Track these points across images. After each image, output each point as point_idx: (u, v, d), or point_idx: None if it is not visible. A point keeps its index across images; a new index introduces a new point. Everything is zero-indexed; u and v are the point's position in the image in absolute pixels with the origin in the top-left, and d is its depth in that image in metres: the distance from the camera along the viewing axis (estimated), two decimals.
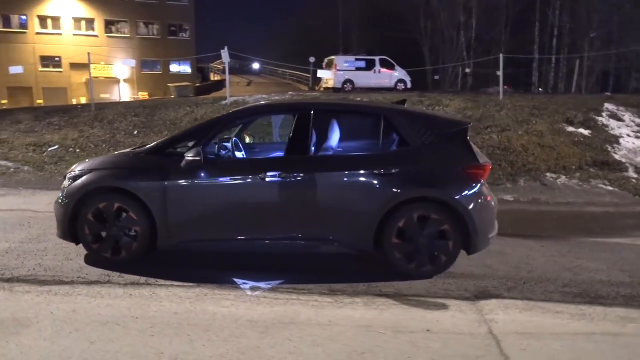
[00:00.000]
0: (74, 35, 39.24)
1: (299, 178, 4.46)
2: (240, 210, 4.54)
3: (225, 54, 12.55)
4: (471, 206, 4.40)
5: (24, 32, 38.19)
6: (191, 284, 4.27)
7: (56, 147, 9.98)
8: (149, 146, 4.86)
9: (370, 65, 25.25)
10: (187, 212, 4.56)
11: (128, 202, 4.59)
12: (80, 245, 4.77)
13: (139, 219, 4.59)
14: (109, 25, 40.21)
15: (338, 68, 25.04)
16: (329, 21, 41.67)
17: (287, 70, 37.59)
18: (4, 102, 37.00)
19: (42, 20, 38.51)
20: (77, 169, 4.90)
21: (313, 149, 4.63)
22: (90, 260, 4.76)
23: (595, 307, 3.94)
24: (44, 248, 5.17)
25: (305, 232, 4.53)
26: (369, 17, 37.90)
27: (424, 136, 4.57)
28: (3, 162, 9.43)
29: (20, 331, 3.36)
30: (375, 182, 4.42)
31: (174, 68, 42.01)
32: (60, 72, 38.91)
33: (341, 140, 4.80)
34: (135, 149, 5.24)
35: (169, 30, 41.52)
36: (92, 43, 39.53)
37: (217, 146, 4.79)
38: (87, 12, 39.42)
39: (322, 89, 25.45)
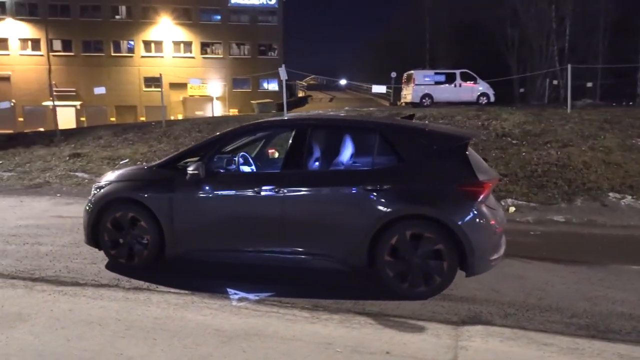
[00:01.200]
0: (173, 57, 42.56)
1: (292, 193, 4.52)
2: (238, 223, 4.69)
3: (282, 71, 12.96)
4: (467, 225, 4.17)
5: (131, 56, 42.12)
6: (186, 292, 4.47)
7: (126, 160, 10.90)
8: (161, 160, 5.19)
9: (450, 79, 24.61)
10: (191, 222, 4.80)
11: (140, 212, 4.92)
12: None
13: (149, 227, 4.90)
14: (204, 47, 43.10)
15: (416, 82, 24.72)
16: (415, 36, 41.31)
17: (370, 86, 37.75)
18: (113, 119, 40.98)
19: (147, 44, 42.24)
20: (102, 180, 5.35)
21: (308, 164, 4.68)
22: (110, 265, 5.15)
23: (596, 341, 3.55)
24: (78, 252, 5.67)
25: (299, 246, 4.56)
26: (455, 31, 37.05)
27: (419, 152, 4.43)
28: (80, 174, 10.48)
29: (16, 325, 3.75)
30: (368, 198, 4.35)
31: (263, 86, 43.90)
32: (160, 91, 42.13)
33: (337, 156, 4.79)
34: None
35: (258, 49, 43.59)
36: (189, 64, 42.71)
37: (222, 160, 4.99)
38: (185, 35, 42.61)
39: (403, 104, 25.24)
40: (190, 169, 4.68)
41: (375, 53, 49.63)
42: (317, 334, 3.63)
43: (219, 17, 43.04)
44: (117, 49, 42.11)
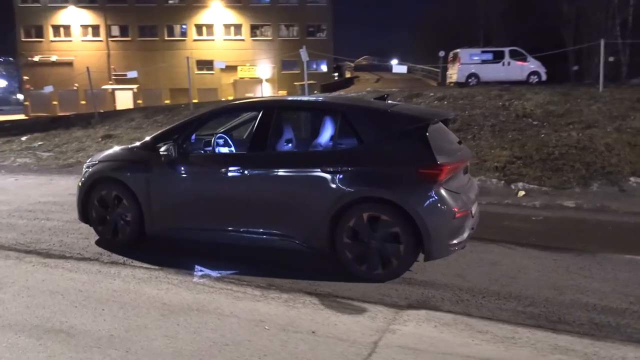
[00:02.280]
0: (224, 40, 43.34)
1: (256, 174, 4.59)
2: (208, 203, 4.83)
3: (303, 52, 12.93)
4: (422, 208, 4.08)
5: (184, 40, 43.29)
6: (156, 267, 4.68)
7: None
8: (141, 142, 5.39)
9: (498, 57, 23.64)
10: (165, 201, 4.99)
11: (122, 191, 5.17)
12: None
13: (130, 206, 5.14)
14: (254, 29, 43.57)
15: (462, 61, 23.96)
16: (469, 14, 39.76)
17: (419, 66, 36.92)
18: (167, 101, 42.49)
19: (198, 28, 43.24)
20: (93, 159, 5.64)
21: (272, 145, 4.71)
22: (98, 241, 5.46)
23: (539, 331, 3.40)
24: (77, 228, 6.02)
25: (264, 226, 4.64)
26: (511, 8, 35.31)
27: (380, 133, 4.36)
28: None
29: None
30: (327, 179, 4.34)
31: (312, 67, 43.87)
32: (212, 74, 43.18)
33: (300, 137, 4.79)
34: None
35: (307, 31, 43.51)
36: (239, 47, 43.39)
37: (194, 142, 5.11)
38: (235, 18, 43.23)
39: (452, 84, 24.54)
40: (162, 150, 4.85)
41: (428, 33, 48.26)
42: (255, 311, 3.71)
43: (268, 0, 43.29)
44: (171, 33, 43.40)
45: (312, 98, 5.38)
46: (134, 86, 42.66)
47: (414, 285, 4.23)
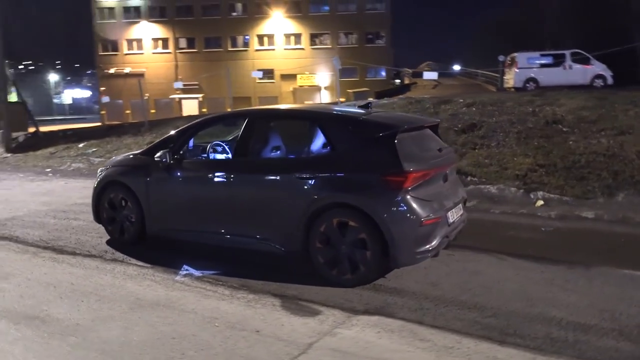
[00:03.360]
0: (284, 49, 44.40)
1: (238, 179, 4.82)
2: (197, 206, 5.11)
3: (336, 61, 13.05)
4: (387, 215, 4.12)
5: (246, 50, 44.83)
6: (148, 265, 5.01)
7: None
8: (142, 149, 5.78)
9: (558, 61, 22.54)
10: (161, 204, 5.33)
11: (127, 194, 5.58)
12: None
13: (133, 208, 5.54)
14: (313, 38, 44.32)
15: (519, 65, 23.14)
16: (532, 17, 38.21)
17: (479, 71, 35.89)
18: (229, 109, 44.14)
19: (260, 38, 44.62)
20: (106, 164, 6.11)
21: (253, 152, 4.91)
22: (109, 240, 5.90)
23: (485, 343, 3.34)
24: (96, 228, 6.49)
25: (245, 229, 4.85)
26: (578, 9, 33.52)
27: (350, 140, 4.44)
28: None
29: (3, 281, 4.58)
30: (301, 185, 4.48)
31: (370, 74, 43.94)
32: (273, 82, 44.36)
33: (278, 144, 4.95)
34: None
35: (366, 38, 43.65)
36: (299, 55, 44.28)
37: (188, 149, 5.41)
38: (295, 28, 44.20)
39: (512, 89, 23.72)
40: (157, 156, 5.20)
41: (493, 36, 46.78)
42: (215, 309, 3.91)
43: (327, 8, 43.89)
44: (234, 43, 45.11)
45: (291, 107, 5.55)
46: (199, 95, 44.68)
47: (381, 292, 4.25)
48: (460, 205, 4.89)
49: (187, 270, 4.85)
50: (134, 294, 4.26)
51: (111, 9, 45.34)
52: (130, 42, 45.84)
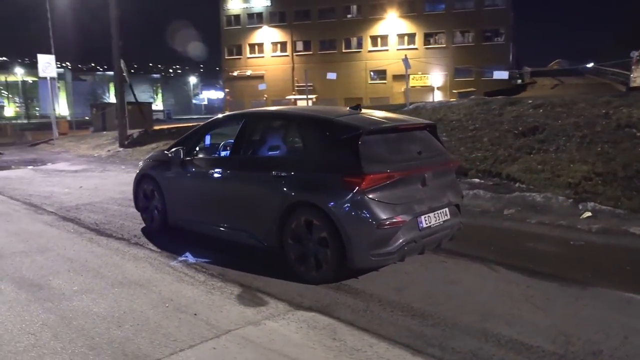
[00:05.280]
0: (397, 50, 44.07)
1: (230, 175, 5.18)
2: (201, 199, 5.57)
3: (405, 62, 12.68)
4: (343, 215, 4.17)
5: (359, 51, 45.35)
6: (158, 250, 5.58)
7: None
8: (170, 145, 6.37)
9: None
10: (176, 196, 5.89)
11: (155, 186, 6.24)
12: None
13: (159, 198, 6.18)
14: (427, 37, 43.39)
15: None
16: None
17: (610, 69, 32.25)
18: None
19: (373, 39, 44.80)
20: (147, 157, 6.85)
21: (244, 150, 5.20)
22: (144, 227, 6.63)
23: (396, 349, 3.27)
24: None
25: (235, 223, 5.19)
26: None
27: (320, 141, 4.54)
28: None
29: (34, 254, 5.45)
30: (277, 183, 4.68)
31: (488, 74, 41.80)
32: (385, 83, 44.34)
33: (264, 143, 5.17)
34: None
35: (483, 36, 41.64)
36: (412, 55, 43.47)
37: (198, 146, 5.87)
38: (409, 28, 43.65)
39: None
40: (169, 153, 5.76)
41: (631, 31, 41.76)
42: (177, 292, 4.29)
43: (442, 7, 42.67)
44: (348, 45, 45.89)
45: (278, 109, 5.72)
46: (313, 96, 46.16)
47: (341, 291, 4.31)
48: (446, 211, 4.70)
49: (185, 257, 5.32)
50: (125, 273, 4.82)
51: (237, 15, 48.81)
52: (252, 46, 48.94)
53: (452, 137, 9.50)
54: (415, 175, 4.47)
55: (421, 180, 4.51)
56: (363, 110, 5.06)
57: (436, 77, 42.94)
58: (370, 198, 4.17)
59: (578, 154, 7.59)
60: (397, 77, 42.62)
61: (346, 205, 4.18)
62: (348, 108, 5.15)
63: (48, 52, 21.93)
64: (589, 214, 6.50)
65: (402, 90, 43.73)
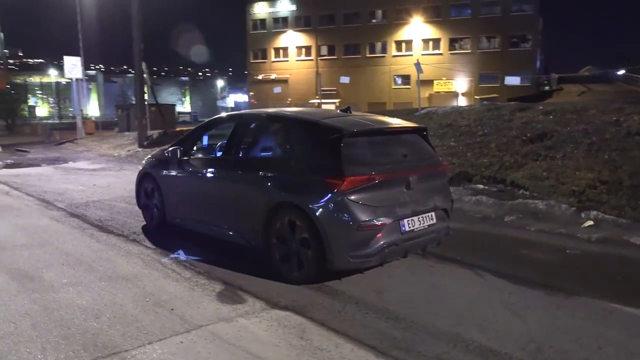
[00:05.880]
0: (421, 54, 43.72)
1: (221, 175, 5.27)
2: (195, 198, 5.67)
3: (418, 66, 12.59)
4: (323, 217, 4.20)
5: (383, 56, 45.23)
6: (153, 247, 5.71)
7: None
8: (169, 145, 6.51)
9: None
10: (172, 195, 6.01)
11: (155, 184, 6.38)
12: None
13: (158, 197, 6.32)
14: (452, 42, 42.99)
15: None
16: None
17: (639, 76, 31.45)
18: None
19: (398, 44, 44.64)
20: (150, 156, 7.01)
21: (234, 151, 5.28)
22: (145, 224, 6.77)
23: (361, 351, 3.27)
24: None
25: (226, 222, 5.27)
26: None
27: (304, 143, 4.59)
28: None
29: (34, 248, 5.64)
30: (263, 183, 4.74)
31: (512, 80, 41.16)
32: (409, 88, 44.04)
33: (252, 144, 5.23)
34: None
35: (510, 41, 41.03)
36: (436, 61, 43.26)
37: (193, 147, 5.96)
38: (434, 33, 43.35)
39: None
40: (166, 152, 5.88)
41: None
42: (160, 287, 4.38)
43: (469, 12, 42.22)
44: (372, 50, 45.83)
45: (268, 110, 5.77)
46: (337, 100, 46.26)
47: (320, 292, 4.33)
48: (431, 215, 4.68)
49: (177, 254, 5.42)
50: (116, 267, 4.94)
51: (262, 20, 49.35)
52: (277, 50, 49.37)
53: (459, 143, 9.41)
54: (398, 178, 4.47)
55: (405, 183, 4.50)
56: (353, 113, 5.09)
57: (461, 83, 42.48)
58: (350, 200, 4.19)
59: (584, 162, 7.43)
60: (422, 83, 42.23)
61: (326, 206, 4.20)
62: (338, 110, 5.18)
63: (79, 54, 22.57)
64: (591, 222, 6.36)
65: (427, 95, 43.50)
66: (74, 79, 20.40)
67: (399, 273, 4.84)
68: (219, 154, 5.96)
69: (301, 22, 47.86)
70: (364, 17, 45.63)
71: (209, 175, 5.42)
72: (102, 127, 34.79)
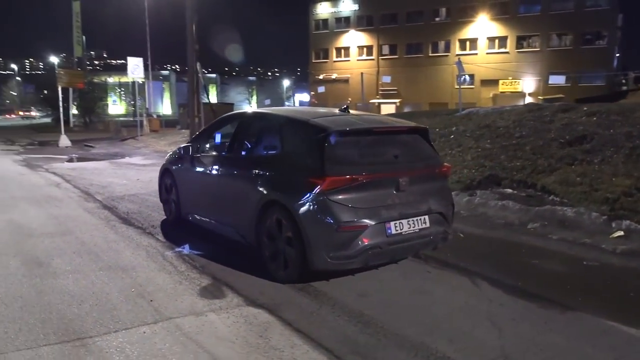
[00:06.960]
0: (486, 53, 42.28)
1: (223, 172, 5.38)
2: (202, 194, 5.83)
3: (459, 65, 12.03)
4: (305, 216, 4.18)
5: (446, 55, 44.05)
6: (163, 241, 5.93)
7: None
8: (187, 142, 6.71)
9: None
10: (185, 191, 6.21)
11: (172, 179, 6.62)
12: None
13: (175, 192, 6.56)
14: (520, 40, 41.14)
15: None
16: None
17: None
18: None
19: (462, 43, 43.32)
20: (171, 152, 7.28)
21: (235, 149, 5.36)
22: (165, 218, 7.04)
23: (315, 354, 3.25)
24: None
25: (226, 218, 5.37)
26: None
27: (294, 142, 4.58)
28: None
29: (54, 236, 6.03)
30: (255, 181, 4.79)
31: (586, 79, 38.76)
32: (472, 88, 42.64)
33: (250, 143, 5.26)
34: None
35: (583, 39, 38.63)
36: (502, 59, 41.61)
37: (205, 144, 6.09)
38: (500, 30, 41.66)
39: None
40: (178, 149, 6.08)
41: None
42: (150, 279, 4.54)
43: (538, 8, 40.18)
44: (435, 49, 44.78)
45: (266, 109, 5.76)
46: (397, 100, 45.68)
47: (302, 292, 4.31)
48: (424, 218, 4.51)
49: (182, 248, 5.59)
50: (119, 258, 5.18)
51: (325, 20, 49.63)
52: (338, 50, 49.47)
53: (495, 145, 9.00)
54: (387, 179, 4.36)
55: (395, 185, 4.37)
56: (351, 112, 5.02)
57: (528, 83, 40.54)
58: (331, 200, 4.13)
59: (623, 167, 6.87)
60: (486, 82, 40.92)
61: (308, 205, 4.18)
62: (337, 110, 5.13)
63: (152, 55, 23.76)
64: (621, 233, 5.88)
65: (491, 95, 41.94)
66: (137, 79, 21.52)
67: (390, 277, 4.72)
68: (222, 152, 6.09)
69: (363, 21, 47.65)
70: (427, 15, 44.69)
71: (214, 172, 5.55)
72: (167, 124, 36.41)
